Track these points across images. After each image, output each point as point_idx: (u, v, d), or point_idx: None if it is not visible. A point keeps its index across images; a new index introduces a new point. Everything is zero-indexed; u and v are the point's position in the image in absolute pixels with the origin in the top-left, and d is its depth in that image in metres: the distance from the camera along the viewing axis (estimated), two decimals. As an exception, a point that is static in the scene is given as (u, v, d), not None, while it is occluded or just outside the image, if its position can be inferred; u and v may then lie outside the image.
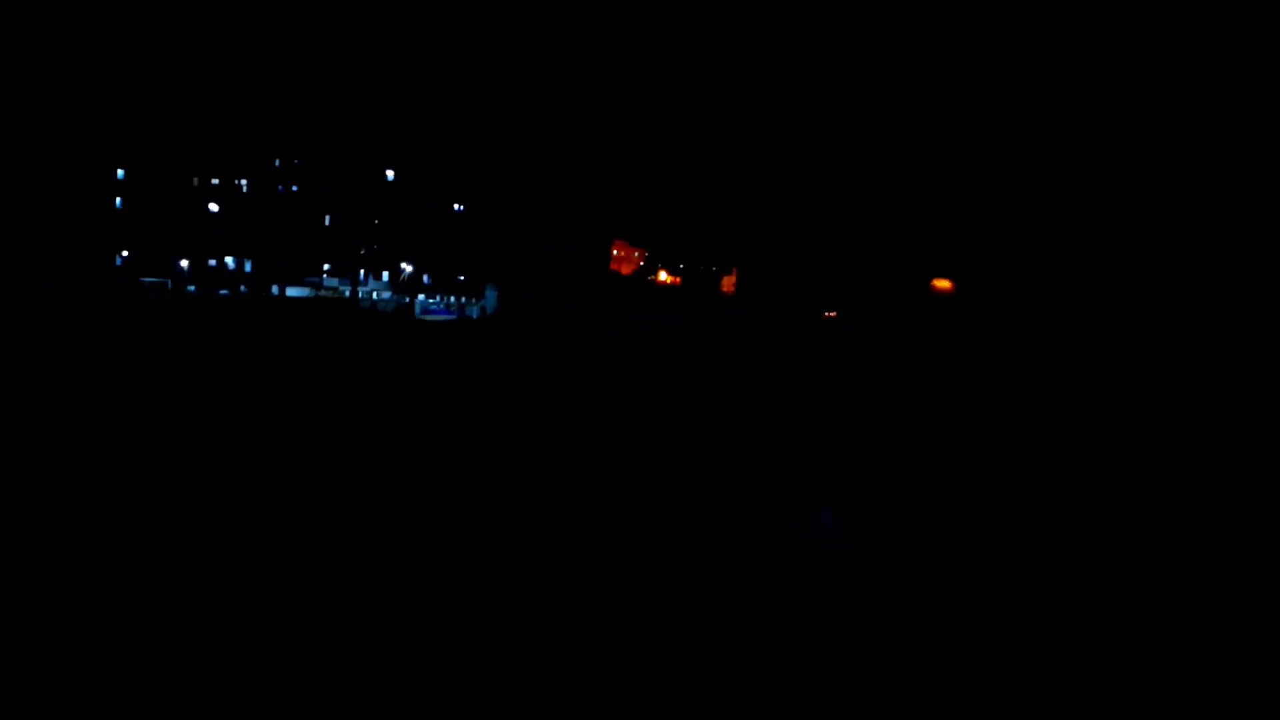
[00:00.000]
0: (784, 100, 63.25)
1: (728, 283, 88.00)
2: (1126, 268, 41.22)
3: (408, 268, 56.58)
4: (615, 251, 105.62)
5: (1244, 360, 30.68)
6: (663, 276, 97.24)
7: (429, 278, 59.04)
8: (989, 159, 51.31)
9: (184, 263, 52.79)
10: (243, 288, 55.68)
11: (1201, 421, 19.81)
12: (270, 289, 56.13)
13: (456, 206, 59.94)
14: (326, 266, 57.00)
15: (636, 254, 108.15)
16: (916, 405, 22.08)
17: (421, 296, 61.13)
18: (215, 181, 54.57)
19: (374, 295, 58.69)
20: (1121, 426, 18.99)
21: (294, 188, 55.58)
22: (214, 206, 54.47)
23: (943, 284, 54.00)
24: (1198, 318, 36.43)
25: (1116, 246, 42.37)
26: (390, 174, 57.07)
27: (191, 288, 53.99)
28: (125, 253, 51.88)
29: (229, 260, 54.89)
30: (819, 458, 13.81)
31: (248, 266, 55.64)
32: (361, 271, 57.62)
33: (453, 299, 61.69)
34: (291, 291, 55.96)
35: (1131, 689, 5.94)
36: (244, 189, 55.12)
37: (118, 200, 52.75)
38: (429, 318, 57.11)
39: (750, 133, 67.73)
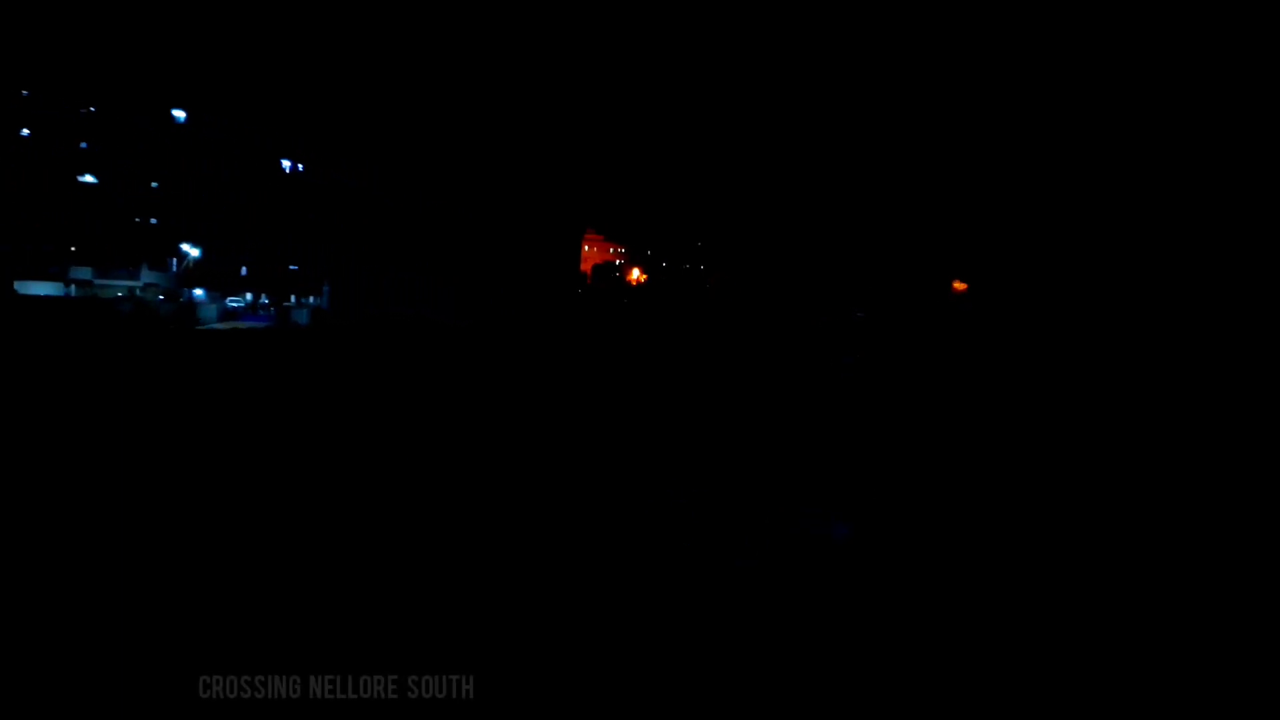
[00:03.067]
0: (784, 96, 57.52)
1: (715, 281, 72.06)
2: (1141, 270, 41.07)
3: (193, 252, 37.47)
4: (586, 247, 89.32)
5: (1250, 361, 29.99)
6: (635, 274, 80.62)
7: (246, 269, 39.96)
8: (994, 154, 49.49)
9: None
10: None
11: (1217, 424, 18.92)
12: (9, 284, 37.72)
13: (287, 163, 40.80)
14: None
15: (612, 249, 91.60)
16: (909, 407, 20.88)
17: (244, 295, 42.21)
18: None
19: (179, 295, 39.99)
20: (1131, 428, 18.25)
21: (24, 132, 36.89)
22: (-106, 160, 35.92)
23: (958, 285, 53.70)
24: (1212, 324, 36.24)
25: (1129, 248, 42.17)
26: (180, 113, 38.25)
27: None
28: None
29: (-79, 241, 36.24)
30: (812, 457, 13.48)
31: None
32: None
33: (293, 299, 42.69)
34: (33, 289, 37.40)
35: (1136, 687, 5.94)
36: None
37: None
38: (229, 325, 38.13)
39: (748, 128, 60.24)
